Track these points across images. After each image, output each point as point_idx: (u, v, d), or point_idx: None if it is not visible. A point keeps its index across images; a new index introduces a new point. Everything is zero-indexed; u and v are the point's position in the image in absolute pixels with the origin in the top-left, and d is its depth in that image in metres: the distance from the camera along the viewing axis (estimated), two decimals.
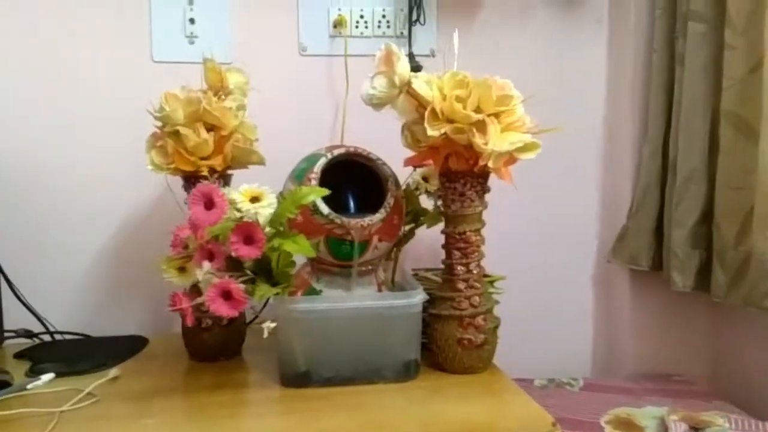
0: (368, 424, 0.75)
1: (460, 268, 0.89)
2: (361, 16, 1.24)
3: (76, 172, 1.18)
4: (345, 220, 0.87)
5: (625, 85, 1.28)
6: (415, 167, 1.05)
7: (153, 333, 1.15)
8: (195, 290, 0.87)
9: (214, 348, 0.98)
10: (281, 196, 0.87)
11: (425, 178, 1.04)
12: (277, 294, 0.80)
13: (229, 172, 0.99)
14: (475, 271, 0.89)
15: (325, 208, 0.86)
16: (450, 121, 0.80)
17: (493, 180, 0.90)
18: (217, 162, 0.93)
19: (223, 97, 0.96)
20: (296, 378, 0.86)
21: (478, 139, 0.79)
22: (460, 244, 0.89)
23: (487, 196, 0.91)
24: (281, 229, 0.79)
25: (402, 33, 1.26)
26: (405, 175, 1.02)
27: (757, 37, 1.00)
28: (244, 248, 0.77)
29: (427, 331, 0.91)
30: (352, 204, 0.99)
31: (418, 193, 1.04)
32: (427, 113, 0.80)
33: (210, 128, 0.92)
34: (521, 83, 0.84)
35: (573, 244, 1.35)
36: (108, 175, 1.19)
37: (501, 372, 0.90)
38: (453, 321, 0.88)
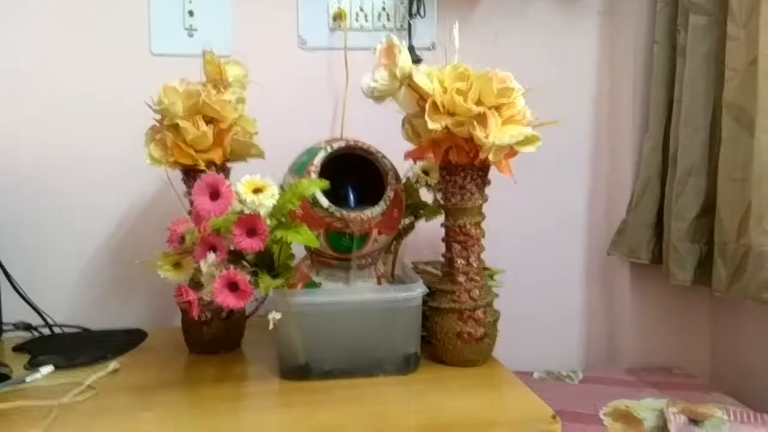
0: (369, 416, 0.75)
1: (460, 261, 0.89)
2: (361, 9, 1.24)
3: (75, 166, 1.18)
4: (345, 213, 0.87)
5: (627, 77, 1.28)
6: (415, 160, 1.05)
7: (152, 326, 1.15)
8: (194, 285, 0.87)
9: (214, 341, 0.98)
10: (281, 189, 0.86)
11: (425, 171, 1.03)
12: (281, 286, 0.79)
13: (228, 165, 0.99)
14: (475, 264, 0.89)
15: (324, 201, 0.86)
16: (451, 114, 0.80)
17: (493, 173, 0.90)
18: (216, 155, 0.92)
19: (222, 90, 0.95)
20: (296, 371, 0.86)
21: (478, 132, 0.79)
22: (460, 237, 0.89)
23: (487, 189, 0.91)
24: (283, 220, 0.78)
25: (402, 26, 1.25)
26: (405, 168, 1.02)
27: (757, 28, 0.99)
28: (247, 240, 0.77)
29: (427, 324, 0.91)
30: (351, 197, 0.99)
31: (417, 186, 1.04)
32: (427, 106, 0.79)
33: (209, 121, 0.92)
34: (521, 76, 0.84)
35: (573, 237, 1.35)
36: (107, 169, 1.19)
37: (500, 365, 0.90)
38: (453, 314, 0.88)
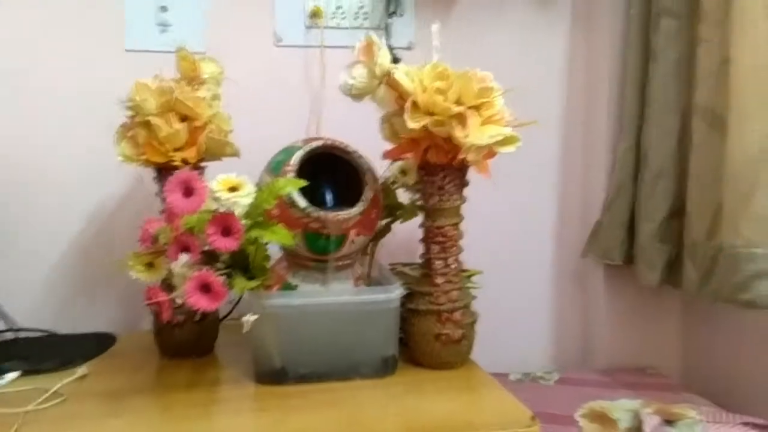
0: (346, 421, 0.74)
1: (438, 263, 0.88)
2: (338, 7, 1.23)
3: (43, 163, 1.14)
4: (322, 213, 0.85)
5: (602, 80, 1.29)
6: (392, 160, 1.04)
7: (121, 330, 1.12)
8: (165, 286, 0.84)
9: (187, 345, 0.95)
10: (258, 188, 0.85)
11: (403, 172, 1.03)
12: (256, 287, 0.77)
13: (203, 164, 0.96)
14: (453, 266, 0.88)
15: (302, 202, 0.85)
16: (430, 113, 0.79)
17: (468, 174, 0.89)
18: (190, 153, 0.90)
19: (196, 87, 0.93)
20: (271, 375, 0.84)
21: (458, 132, 0.78)
22: (439, 239, 0.88)
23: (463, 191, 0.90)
24: (259, 220, 0.77)
25: (380, 25, 1.24)
26: (382, 168, 1.01)
27: (729, 30, 1.01)
28: (222, 240, 0.75)
29: (404, 327, 0.90)
30: (329, 197, 0.97)
31: (395, 186, 1.03)
32: (407, 105, 0.79)
33: (183, 119, 0.90)
34: (497, 77, 0.84)
35: (547, 238, 1.36)
36: (76, 167, 1.16)
37: (478, 367, 0.90)
38: (431, 316, 0.87)
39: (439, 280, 0.88)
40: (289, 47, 1.23)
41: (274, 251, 0.89)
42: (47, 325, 1.11)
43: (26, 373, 0.88)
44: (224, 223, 0.76)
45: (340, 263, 0.91)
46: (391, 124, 0.85)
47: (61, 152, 1.15)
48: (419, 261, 1.12)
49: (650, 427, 0.93)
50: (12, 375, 0.87)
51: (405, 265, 1.11)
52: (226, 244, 0.75)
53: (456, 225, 0.89)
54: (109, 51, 1.16)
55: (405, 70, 0.82)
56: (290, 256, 0.91)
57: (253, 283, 0.78)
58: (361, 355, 0.85)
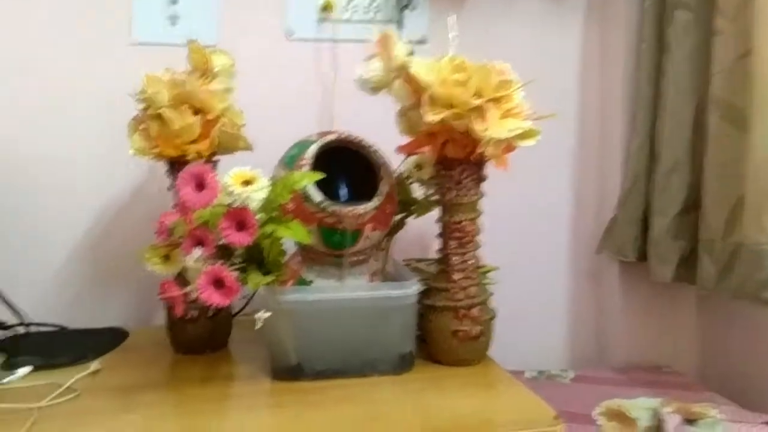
0: (365, 417, 0.73)
1: (455, 259, 0.87)
2: (350, 0, 1.21)
3: (53, 158, 1.14)
4: (338, 208, 0.84)
5: (617, 75, 1.27)
6: (407, 155, 1.03)
7: (133, 325, 1.12)
8: (180, 280, 0.83)
9: (200, 340, 0.94)
10: (272, 183, 0.83)
11: (418, 166, 1.01)
12: (271, 283, 0.76)
13: (215, 158, 0.95)
14: (471, 262, 0.87)
15: (317, 196, 0.83)
16: (448, 106, 0.78)
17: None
18: (203, 147, 0.89)
19: (208, 80, 0.92)
20: (287, 371, 0.83)
21: (477, 126, 0.77)
22: (457, 234, 0.87)
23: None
24: (274, 215, 0.75)
25: (392, 19, 1.22)
26: (396, 163, 0.99)
27: (747, 22, 0.99)
28: (236, 234, 0.74)
29: (421, 323, 0.89)
30: (343, 192, 0.96)
31: (410, 181, 1.01)
32: (425, 98, 0.77)
33: (195, 112, 0.89)
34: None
35: (562, 235, 1.34)
36: (86, 162, 1.15)
37: (496, 364, 0.88)
38: (448, 312, 0.86)
39: (457, 276, 0.86)
40: (301, 41, 1.22)
41: (289, 246, 0.87)
42: (58, 319, 1.10)
43: (38, 368, 0.87)
44: (238, 217, 0.75)
45: (356, 258, 0.90)
46: (408, 117, 0.84)
47: (71, 146, 1.14)
48: (433, 257, 1.12)
49: (672, 427, 0.92)
50: (24, 370, 0.86)
51: (419, 260, 1.10)
52: (240, 239, 0.74)
53: (474, 220, 0.87)
54: (116, 44, 1.15)
55: (422, 62, 0.80)
56: (305, 251, 0.90)
57: (268, 279, 0.76)
58: (378, 352, 0.84)
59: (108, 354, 0.95)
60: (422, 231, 1.23)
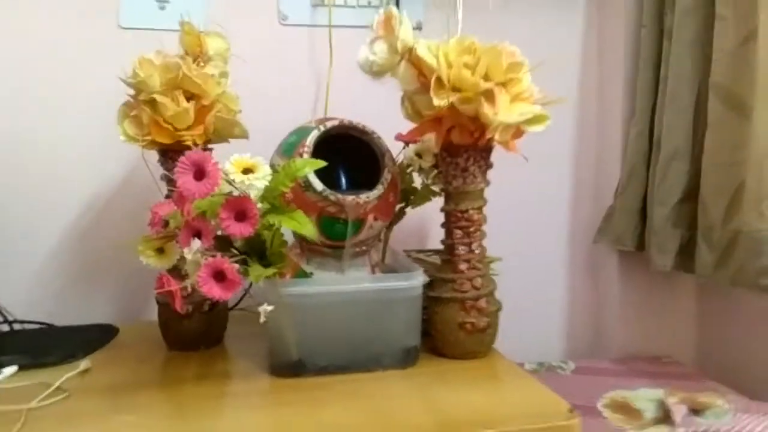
0: (374, 413, 0.70)
1: (461, 248, 0.84)
2: None
3: (37, 147, 1.09)
4: (340, 196, 0.81)
5: (616, 62, 1.25)
6: (406, 143, 1.00)
7: (122, 321, 1.07)
8: (174, 273, 0.80)
9: (195, 336, 0.90)
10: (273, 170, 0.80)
11: (418, 154, 0.98)
12: (274, 275, 0.73)
13: (210, 146, 0.91)
14: (477, 252, 0.84)
15: (318, 184, 0.80)
16: (456, 89, 0.75)
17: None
18: (197, 133, 0.85)
19: (202, 64, 0.88)
20: (288, 367, 0.80)
21: (486, 110, 0.74)
22: (462, 223, 0.84)
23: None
24: (276, 204, 0.72)
25: (388, 3, 1.19)
26: (394, 151, 0.96)
27: (749, 7, 0.97)
28: (236, 225, 0.70)
29: (426, 315, 0.86)
30: (342, 181, 0.93)
31: (411, 170, 0.98)
32: (432, 81, 0.74)
33: (189, 97, 0.85)
34: None
35: (559, 225, 1.32)
36: (71, 151, 1.10)
37: (503, 356, 0.86)
38: (455, 304, 0.83)
39: (463, 266, 0.83)
40: (295, 26, 1.18)
41: (287, 236, 0.84)
42: (43, 316, 1.06)
43: (25, 367, 0.83)
44: (239, 206, 0.71)
45: (358, 249, 0.87)
46: (413, 102, 0.80)
47: (54, 135, 1.09)
48: (431, 247, 1.09)
49: (679, 417, 0.90)
50: (10, 370, 0.82)
51: (420, 251, 1.07)
52: (240, 230, 0.70)
53: (480, 209, 0.85)
54: (103, 29, 1.10)
55: (427, 44, 0.77)
56: (304, 241, 0.86)
57: (270, 271, 0.73)
58: (383, 346, 0.81)
59: (98, 352, 0.91)
60: (420, 221, 1.20)
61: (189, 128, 0.84)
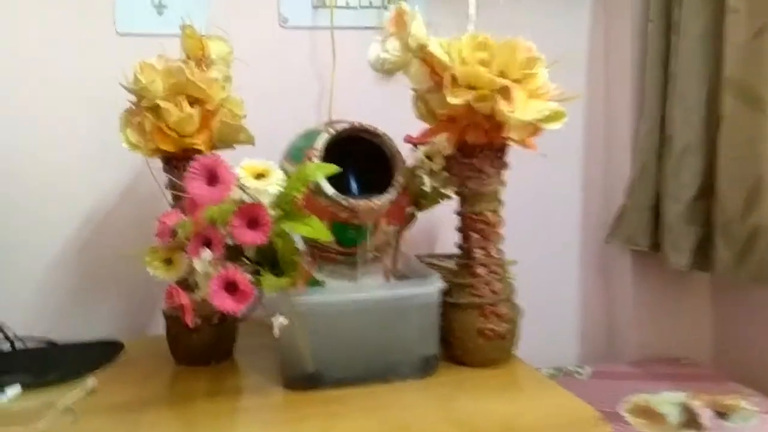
0: (391, 427, 0.67)
1: (478, 252, 0.81)
2: None
3: (35, 158, 1.06)
4: (352, 201, 0.78)
5: (624, 58, 1.23)
6: (415, 145, 0.97)
7: (127, 336, 1.04)
8: (182, 285, 0.76)
9: (205, 350, 0.87)
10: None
11: (429, 156, 0.95)
12: (288, 285, 0.70)
13: (214, 152, 0.88)
14: (495, 255, 0.82)
15: (329, 189, 0.77)
16: (471, 87, 0.72)
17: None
18: (202, 140, 0.82)
19: (204, 68, 0.85)
20: (303, 380, 0.77)
21: (503, 107, 0.71)
22: (479, 226, 0.81)
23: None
24: (288, 210, 0.69)
25: (391, 3, 1.16)
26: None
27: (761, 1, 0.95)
28: (248, 233, 0.67)
29: (443, 322, 0.83)
30: (352, 184, 0.90)
31: (421, 173, 0.95)
32: (447, 79, 0.71)
33: (193, 102, 0.82)
34: None
35: (569, 226, 1.30)
36: (70, 161, 1.07)
37: (524, 363, 0.83)
38: (473, 310, 0.80)
39: (481, 270, 0.81)
40: (296, 29, 1.15)
41: (297, 243, 0.81)
42: (45, 332, 1.02)
43: (28, 387, 0.80)
44: (251, 214, 0.68)
45: (370, 255, 0.84)
46: (426, 101, 0.78)
47: (54, 144, 1.06)
48: (440, 251, 1.06)
49: (707, 421, 0.88)
50: (13, 390, 0.78)
51: (432, 256, 1.05)
52: (253, 238, 0.67)
53: (496, 210, 0.82)
54: (101, 35, 1.07)
55: (441, 41, 0.74)
56: (315, 249, 0.83)
57: (284, 281, 0.70)
58: (400, 355, 0.78)
59: (103, 369, 0.88)
60: (428, 224, 1.17)
61: (194, 134, 0.81)
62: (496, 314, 0.80)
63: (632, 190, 1.20)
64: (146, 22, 1.08)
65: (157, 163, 0.87)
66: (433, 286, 0.78)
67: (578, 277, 1.31)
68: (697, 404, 0.94)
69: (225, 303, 0.66)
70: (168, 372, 0.87)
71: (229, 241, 0.70)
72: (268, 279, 0.69)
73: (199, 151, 0.80)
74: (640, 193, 1.18)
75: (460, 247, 0.84)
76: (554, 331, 1.30)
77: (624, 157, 1.24)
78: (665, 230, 1.11)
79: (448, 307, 0.82)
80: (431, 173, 0.95)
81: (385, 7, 1.16)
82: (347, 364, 0.77)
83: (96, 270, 1.08)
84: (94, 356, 0.92)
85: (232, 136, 0.87)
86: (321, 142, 0.79)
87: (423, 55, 0.74)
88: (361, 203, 0.78)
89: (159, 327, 0.92)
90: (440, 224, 1.17)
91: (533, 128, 0.76)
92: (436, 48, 0.72)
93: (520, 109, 0.72)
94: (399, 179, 0.81)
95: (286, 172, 0.82)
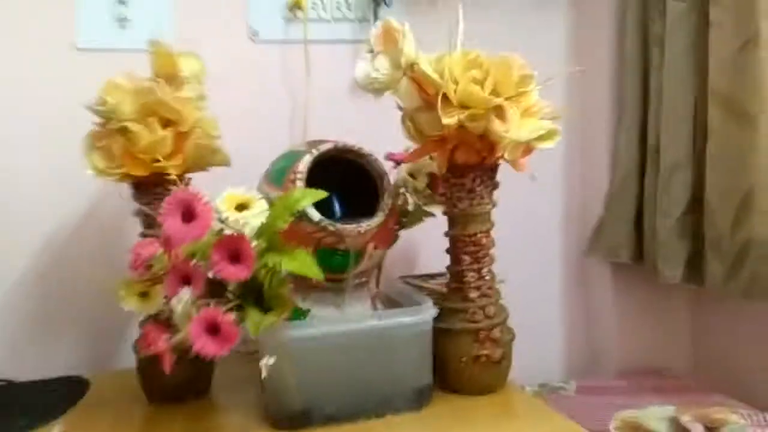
0: None
1: (471, 275, 0.78)
2: None
3: None
4: (339, 226, 0.74)
5: (599, 69, 1.22)
6: (397, 163, 0.94)
7: (91, 370, 0.97)
8: (160, 321, 0.71)
9: (180, 386, 0.81)
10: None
11: (412, 175, 0.92)
12: (275, 322, 0.65)
13: (188, 176, 0.83)
14: (487, 277, 0.79)
15: (315, 214, 0.73)
16: (464, 106, 0.69)
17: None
18: (176, 164, 0.77)
19: (174, 86, 0.80)
20: (291, 418, 0.72)
21: (497, 127, 0.68)
22: (470, 248, 0.78)
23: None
24: (273, 241, 0.65)
25: (364, 16, 1.13)
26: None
27: (747, 12, 0.95)
28: (230, 268, 0.62)
29: (434, 349, 0.79)
30: (335, 207, 0.86)
31: (405, 192, 0.92)
32: (440, 98, 0.68)
33: (165, 123, 0.76)
34: None
35: (549, 238, 1.28)
36: (26, 185, 1.00)
37: (520, 389, 0.81)
38: (467, 336, 0.77)
39: (474, 294, 0.78)
40: (266, 42, 1.10)
41: None
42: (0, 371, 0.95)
43: None
44: (232, 246, 0.63)
45: (357, 281, 0.80)
46: (415, 121, 0.74)
47: (5, 166, 0.98)
48: (419, 271, 1.03)
49: None
50: None
51: (416, 277, 1.01)
52: (236, 273, 0.63)
53: (488, 231, 0.79)
54: (60, 50, 1.00)
55: (430, 58, 0.71)
56: (299, 276, 0.79)
57: (270, 319, 0.65)
58: (393, 387, 0.74)
59: (70, 411, 0.81)
60: (407, 243, 1.14)
61: (166, 158, 0.76)
62: (491, 339, 0.77)
63: (612, 202, 1.20)
64: (108, 37, 1.02)
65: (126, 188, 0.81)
66: (427, 314, 0.75)
67: (559, 292, 1.29)
68: (686, 419, 0.93)
69: (207, 347, 0.61)
70: (140, 412, 0.81)
71: (210, 274, 0.66)
72: (253, 316, 0.64)
73: (172, 176, 0.75)
74: (620, 205, 1.18)
75: (451, 269, 0.80)
76: (536, 347, 1.27)
77: (601, 168, 1.23)
78: (658, 246, 1.09)
79: (440, 332, 0.79)
80: (415, 191, 0.93)
81: (360, 21, 1.13)
82: (338, 400, 0.73)
83: (54, 300, 1.01)
84: (58, 396, 0.86)
85: (207, 158, 0.82)
86: (303, 164, 0.75)
87: (412, 73, 0.70)
88: (349, 228, 0.74)
89: (125, 359, 0.86)
90: (418, 242, 1.14)
91: (526, 148, 0.73)
92: (426, 67, 0.69)
93: (514, 128, 0.69)
94: (388, 202, 0.78)
95: (267, 196, 0.77)
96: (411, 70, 0.70)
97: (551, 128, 0.72)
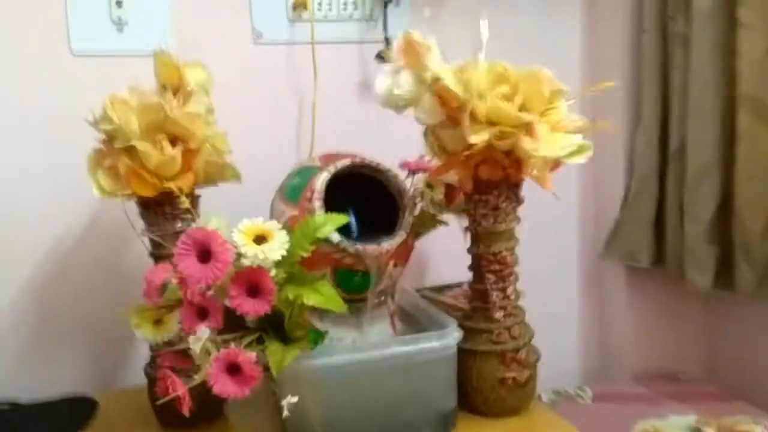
0: None
1: (496, 294, 0.75)
2: None
3: None
4: (359, 247, 0.71)
5: (614, 69, 1.19)
6: (412, 172, 0.90)
7: (98, 388, 0.95)
8: (175, 349, 0.68)
9: (193, 410, 0.78)
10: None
11: (429, 186, 0.89)
12: (297, 355, 0.62)
13: (197, 192, 0.79)
14: (512, 297, 0.76)
15: (335, 236, 0.70)
16: (491, 123, 0.66)
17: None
18: (185, 182, 0.73)
19: (181, 99, 0.76)
20: None
21: (527, 144, 0.65)
22: (495, 267, 0.75)
23: None
24: (294, 272, 0.61)
25: (372, 15, 1.09)
26: None
27: None
28: (249, 302, 0.59)
29: (458, 371, 0.77)
30: (352, 222, 0.83)
31: (422, 203, 0.89)
32: (466, 115, 0.65)
33: (173, 140, 0.73)
34: None
35: (564, 241, 1.25)
36: (21, 200, 0.95)
37: (547, 409, 0.79)
38: (493, 358, 0.75)
39: (499, 314, 0.75)
40: (271, 45, 1.06)
41: None
42: (5, 393, 0.91)
43: None
44: (251, 279, 0.60)
45: (377, 300, 0.77)
46: (438, 137, 0.71)
47: (5, 176, 0.94)
48: (430, 281, 1.00)
49: None
50: None
51: (431, 289, 0.98)
52: (255, 308, 0.60)
53: (512, 249, 0.76)
54: (54, 55, 0.95)
55: (453, 71, 0.67)
56: None
57: (293, 353, 0.62)
58: (417, 412, 0.72)
59: None
60: (416, 250, 1.11)
61: (175, 177, 0.72)
62: (517, 361, 0.75)
63: (630, 203, 1.16)
64: (105, 41, 0.97)
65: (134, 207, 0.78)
66: (451, 338, 0.72)
67: (574, 294, 1.27)
68: (708, 430, 0.91)
69: (227, 388, 0.58)
70: None
71: (227, 302, 0.62)
72: (275, 351, 0.61)
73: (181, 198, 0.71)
74: (639, 208, 1.14)
75: (474, 287, 0.78)
76: (551, 352, 1.25)
77: (616, 170, 1.20)
78: (684, 251, 1.06)
79: (463, 353, 0.76)
80: (433, 203, 0.89)
81: (367, 20, 1.09)
82: (361, 427, 0.70)
83: (56, 316, 0.98)
84: (66, 417, 0.83)
85: (217, 175, 0.78)
86: (320, 182, 0.72)
87: (436, 88, 0.66)
88: (370, 249, 0.71)
89: (133, 375, 0.83)
90: (429, 250, 1.11)
91: (555, 163, 0.70)
92: (452, 82, 0.65)
93: (544, 145, 0.66)
94: (409, 219, 0.75)
95: (282, 213, 0.74)
96: (435, 84, 0.67)
97: (582, 143, 0.68)
